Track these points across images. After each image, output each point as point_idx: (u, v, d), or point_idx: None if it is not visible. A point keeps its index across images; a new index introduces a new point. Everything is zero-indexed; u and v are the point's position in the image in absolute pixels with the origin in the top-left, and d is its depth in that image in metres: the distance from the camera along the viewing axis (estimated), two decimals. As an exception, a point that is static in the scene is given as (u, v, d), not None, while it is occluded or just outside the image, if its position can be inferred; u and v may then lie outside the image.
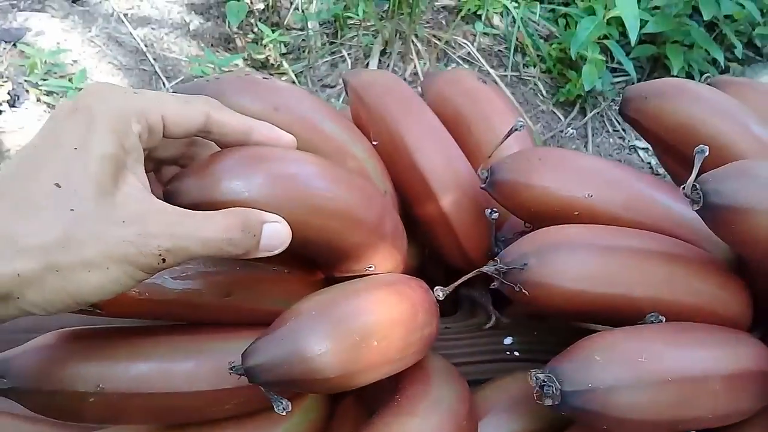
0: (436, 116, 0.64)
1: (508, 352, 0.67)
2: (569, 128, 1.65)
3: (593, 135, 1.67)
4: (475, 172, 0.63)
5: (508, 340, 0.67)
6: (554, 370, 0.44)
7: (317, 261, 0.54)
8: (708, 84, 0.65)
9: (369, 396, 0.58)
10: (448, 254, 0.65)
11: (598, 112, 1.71)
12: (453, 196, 0.62)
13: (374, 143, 0.64)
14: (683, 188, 0.46)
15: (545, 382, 0.44)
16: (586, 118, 1.70)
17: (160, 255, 0.38)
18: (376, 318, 0.45)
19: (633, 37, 1.44)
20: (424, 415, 0.46)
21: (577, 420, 0.45)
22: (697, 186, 0.45)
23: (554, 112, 1.70)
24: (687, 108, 0.57)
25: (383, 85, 0.67)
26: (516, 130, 0.59)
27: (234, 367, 0.42)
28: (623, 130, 1.69)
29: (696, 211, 0.46)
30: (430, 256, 0.72)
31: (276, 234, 0.43)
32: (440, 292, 0.54)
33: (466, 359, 0.63)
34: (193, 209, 0.44)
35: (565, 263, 0.49)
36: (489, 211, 0.58)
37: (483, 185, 0.58)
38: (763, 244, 0.45)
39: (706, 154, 0.47)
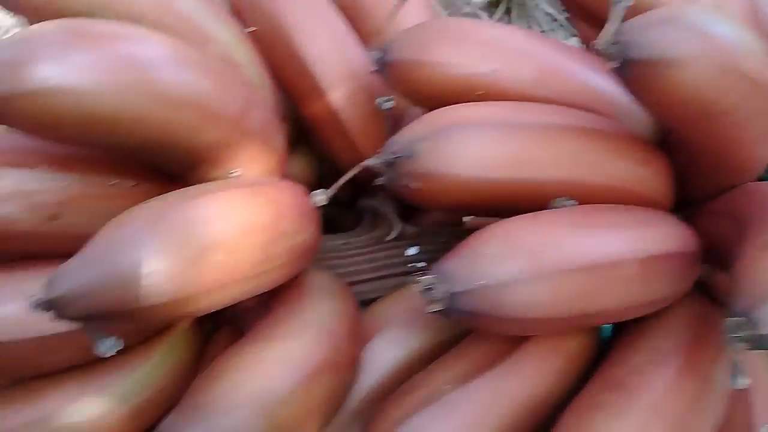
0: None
1: (411, 264, 0.59)
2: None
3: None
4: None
5: (412, 251, 0.59)
6: (441, 270, 0.36)
7: (168, 169, 0.44)
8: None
9: (245, 321, 0.49)
10: (342, 159, 0.56)
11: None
12: (343, 90, 0.52)
13: (250, 29, 0.54)
14: (595, 43, 0.37)
15: (432, 284, 0.36)
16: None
17: None
18: (222, 226, 0.35)
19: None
20: (289, 338, 0.38)
21: (471, 325, 0.38)
22: (616, 39, 0.37)
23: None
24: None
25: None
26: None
27: (37, 300, 0.33)
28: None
29: (614, 69, 0.37)
30: (328, 167, 0.63)
31: None
32: (320, 196, 0.45)
33: (369, 275, 0.54)
34: None
35: (459, 146, 0.40)
36: (382, 99, 0.48)
37: (374, 69, 0.49)
38: (692, 104, 0.37)
39: (628, 4, 0.38)
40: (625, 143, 0.43)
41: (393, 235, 0.57)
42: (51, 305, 0.33)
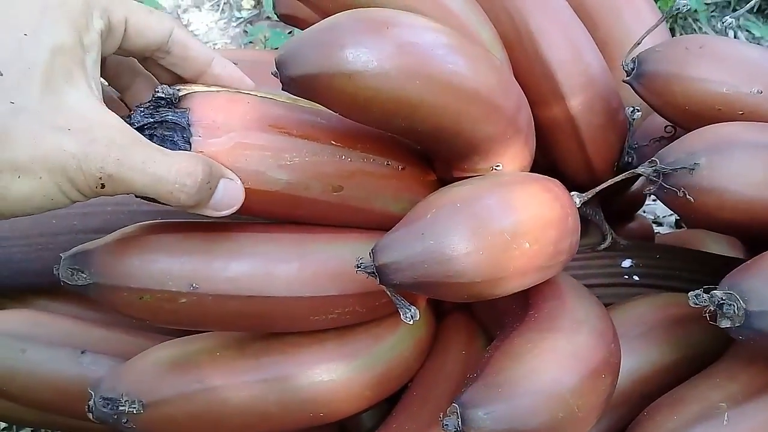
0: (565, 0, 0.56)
1: (626, 276, 0.60)
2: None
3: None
4: (608, 68, 0.55)
5: (626, 263, 0.60)
6: (736, 287, 0.37)
7: (436, 157, 0.47)
8: None
9: (481, 311, 0.51)
10: (567, 166, 0.57)
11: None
12: (583, 96, 0.53)
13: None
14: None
15: (724, 300, 0.37)
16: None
17: (100, 179, 0.33)
18: (529, 216, 0.37)
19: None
20: (570, 332, 0.39)
21: (759, 345, 0.38)
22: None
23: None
24: None
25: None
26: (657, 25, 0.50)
27: (362, 264, 0.36)
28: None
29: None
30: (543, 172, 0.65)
31: (231, 193, 0.39)
32: (577, 198, 0.46)
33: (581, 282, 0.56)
34: (307, 83, 0.37)
35: (742, 164, 0.41)
36: (630, 109, 0.49)
37: (627, 78, 0.50)
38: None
39: None
40: None
41: (606, 244, 0.58)
42: (379, 270, 0.35)
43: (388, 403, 0.52)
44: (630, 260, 0.60)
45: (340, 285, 0.45)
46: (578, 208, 0.56)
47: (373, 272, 0.35)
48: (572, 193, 0.47)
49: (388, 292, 0.37)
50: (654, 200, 0.95)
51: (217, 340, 0.49)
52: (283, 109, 0.43)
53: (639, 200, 0.69)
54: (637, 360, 0.48)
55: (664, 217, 1.07)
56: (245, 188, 0.41)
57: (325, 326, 0.47)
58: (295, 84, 0.38)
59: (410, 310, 0.37)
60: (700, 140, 0.42)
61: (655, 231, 0.88)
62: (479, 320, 0.52)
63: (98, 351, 0.54)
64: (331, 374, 0.47)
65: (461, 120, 0.41)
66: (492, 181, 0.40)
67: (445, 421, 0.36)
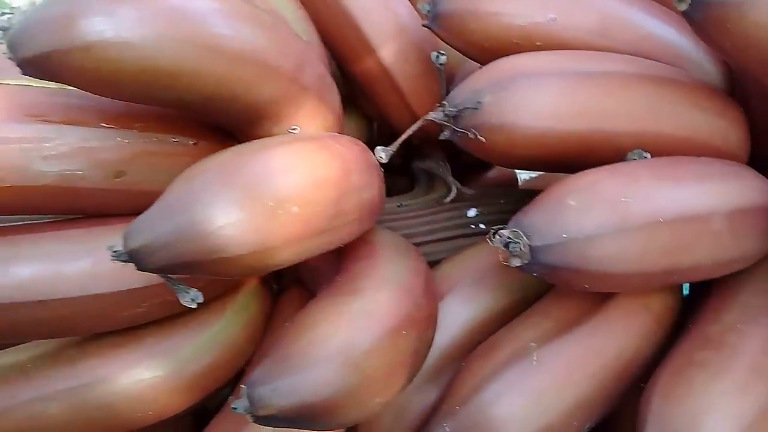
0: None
1: (472, 225, 0.58)
2: None
3: None
4: (418, 15, 0.53)
5: (471, 212, 0.59)
6: (520, 224, 0.36)
7: (227, 126, 0.44)
8: None
9: (313, 282, 0.49)
10: (395, 119, 0.56)
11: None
12: (393, 46, 0.52)
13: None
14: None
15: (510, 239, 0.36)
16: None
17: None
18: (296, 178, 0.35)
19: None
20: (371, 293, 0.38)
21: (552, 280, 0.38)
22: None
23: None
24: None
25: None
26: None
27: (116, 251, 0.33)
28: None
29: (683, 12, 0.36)
30: (379, 129, 0.63)
31: None
32: (382, 153, 0.44)
33: (427, 237, 0.54)
34: (41, 63, 0.34)
35: (527, 96, 0.39)
36: (435, 54, 0.48)
37: (426, 23, 0.48)
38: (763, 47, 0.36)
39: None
40: (700, 93, 0.42)
41: (451, 197, 0.57)
42: (131, 257, 0.33)
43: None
44: (475, 209, 0.59)
45: (143, 276, 0.42)
46: (424, 163, 0.55)
47: (127, 259, 0.33)
48: (377, 147, 0.45)
49: (161, 277, 0.35)
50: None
51: (28, 351, 0.46)
52: (41, 95, 0.40)
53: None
54: (473, 308, 0.47)
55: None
56: (6, 187, 0.38)
57: (141, 321, 0.45)
58: (30, 65, 0.35)
59: (189, 293, 0.35)
60: (484, 77, 0.41)
61: (527, 177, 0.87)
62: (312, 293, 0.50)
63: None
64: (152, 371, 0.44)
65: (231, 85, 0.39)
66: (255, 145, 0.37)
67: (233, 405, 0.34)
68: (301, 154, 0.36)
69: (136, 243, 0.32)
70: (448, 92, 0.52)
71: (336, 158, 0.38)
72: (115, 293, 0.42)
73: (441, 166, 0.60)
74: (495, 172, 0.72)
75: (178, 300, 0.44)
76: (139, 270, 0.33)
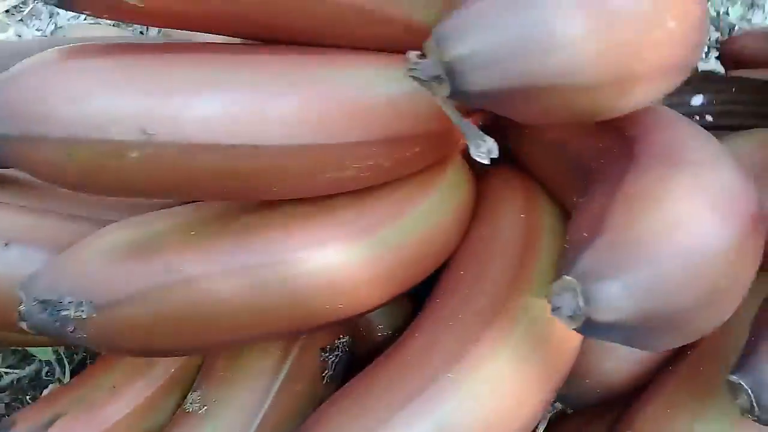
0: None
1: (698, 117, 0.48)
2: None
3: None
4: None
5: (696, 100, 0.48)
6: None
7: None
8: None
9: (541, 157, 0.38)
10: None
11: None
12: None
13: None
14: None
15: None
16: None
17: None
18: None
19: None
20: (711, 165, 0.27)
21: None
22: None
23: None
24: None
25: None
26: None
27: (418, 65, 0.22)
28: None
29: None
30: None
31: None
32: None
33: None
34: None
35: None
36: None
37: None
38: None
39: None
40: None
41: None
42: (450, 71, 0.22)
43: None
44: (702, 96, 0.48)
45: (359, 128, 0.31)
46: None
47: (438, 76, 0.22)
48: None
49: (451, 115, 0.24)
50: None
51: (188, 215, 0.36)
52: None
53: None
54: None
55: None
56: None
57: (336, 190, 0.34)
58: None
59: (485, 142, 0.24)
60: None
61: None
62: (536, 174, 0.39)
63: (27, 242, 0.40)
64: (345, 255, 0.34)
65: None
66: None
67: (554, 302, 0.23)
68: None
69: (461, 49, 0.21)
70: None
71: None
72: (324, 146, 0.31)
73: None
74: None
75: (392, 166, 0.34)
76: (452, 93, 0.22)
